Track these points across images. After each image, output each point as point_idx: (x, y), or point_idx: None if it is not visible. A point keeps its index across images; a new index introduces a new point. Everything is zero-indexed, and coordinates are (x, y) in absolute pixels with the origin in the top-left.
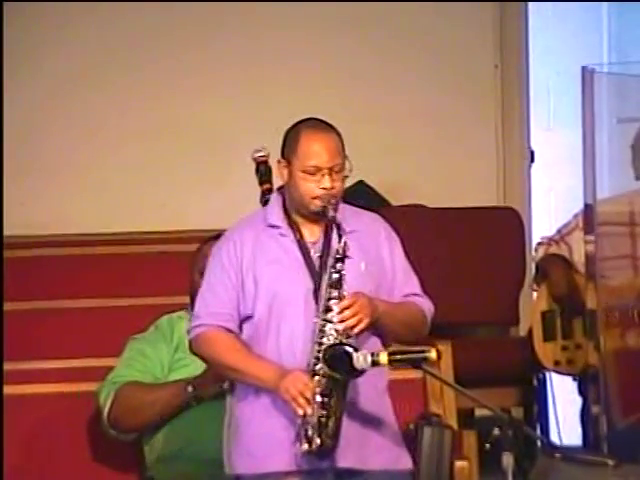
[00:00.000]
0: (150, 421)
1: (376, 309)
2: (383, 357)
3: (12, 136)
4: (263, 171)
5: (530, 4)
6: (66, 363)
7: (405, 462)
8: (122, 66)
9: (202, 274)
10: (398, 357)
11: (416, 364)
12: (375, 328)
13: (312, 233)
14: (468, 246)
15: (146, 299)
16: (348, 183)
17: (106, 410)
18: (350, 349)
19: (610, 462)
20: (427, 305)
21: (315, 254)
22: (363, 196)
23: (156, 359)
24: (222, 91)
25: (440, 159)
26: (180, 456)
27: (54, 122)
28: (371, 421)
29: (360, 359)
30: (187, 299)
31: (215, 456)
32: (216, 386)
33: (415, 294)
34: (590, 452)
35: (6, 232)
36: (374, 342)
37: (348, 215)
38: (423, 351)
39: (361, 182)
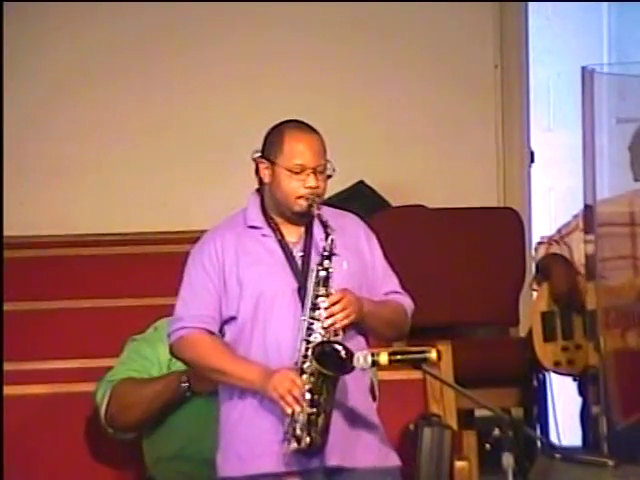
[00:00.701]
0: (146, 416)
1: (362, 307)
2: (383, 357)
3: (12, 136)
4: None
5: (530, 4)
6: (66, 363)
7: (393, 460)
8: (122, 66)
9: None
10: (398, 357)
11: (416, 364)
12: (360, 326)
13: (292, 233)
14: (468, 246)
15: (146, 299)
16: (348, 183)
17: (103, 408)
18: (339, 346)
19: (610, 462)
20: (408, 302)
21: (297, 254)
22: (363, 196)
23: (154, 360)
24: (223, 91)
25: (440, 159)
26: (180, 456)
27: (54, 122)
28: (357, 420)
29: (360, 359)
30: None
31: (214, 456)
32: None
33: (396, 292)
34: (590, 452)
35: (6, 232)
36: (359, 341)
37: (328, 216)
38: (423, 351)
39: (361, 182)
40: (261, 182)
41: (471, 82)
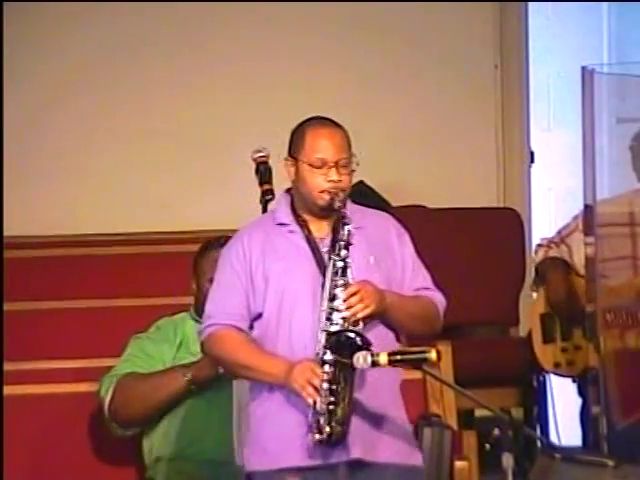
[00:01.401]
0: (150, 410)
1: (383, 298)
2: (383, 357)
3: (12, 136)
4: (263, 171)
5: (530, 4)
6: (66, 363)
7: (416, 459)
8: (122, 67)
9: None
10: (398, 357)
11: (416, 365)
12: (387, 321)
13: (320, 229)
14: (468, 246)
15: (146, 299)
16: None
17: (107, 402)
18: (355, 335)
19: (610, 462)
20: (439, 298)
21: (324, 249)
22: (363, 196)
23: (158, 357)
24: (223, 91)
25: (440, 159)
26: (180, 456)
27: (54, 122)
28: (382, 416)
29: (360, 359)
30: (187, 300)
31: (215, 456)
32: (213, 370)
33: (426, 288)
34: (590, 452)
35: (6, 232)
36: (389, 337)
37: (355, 213)
38: (423, 352)
39: (361, 182)
40: (261, 182)
41: (471, 82)
